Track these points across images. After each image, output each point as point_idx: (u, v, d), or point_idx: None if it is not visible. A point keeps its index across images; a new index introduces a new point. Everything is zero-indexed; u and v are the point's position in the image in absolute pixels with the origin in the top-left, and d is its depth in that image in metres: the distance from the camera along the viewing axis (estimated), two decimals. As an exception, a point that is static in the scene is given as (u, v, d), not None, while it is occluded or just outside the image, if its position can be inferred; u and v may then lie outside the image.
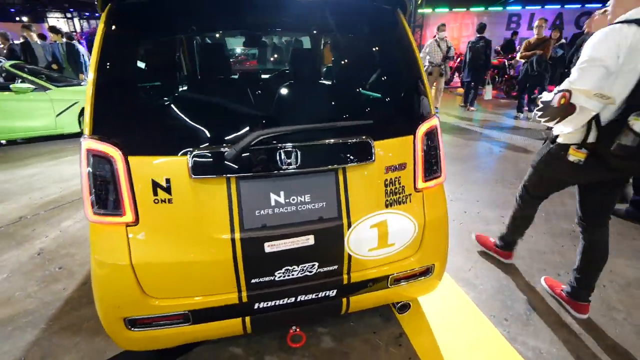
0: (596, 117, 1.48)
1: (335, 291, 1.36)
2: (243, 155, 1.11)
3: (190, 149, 1.10)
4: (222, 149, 1.10)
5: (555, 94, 1.52)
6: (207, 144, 1.13)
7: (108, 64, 1.15)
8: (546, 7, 12.63)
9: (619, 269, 2.21)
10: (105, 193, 1.11)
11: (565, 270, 2.19)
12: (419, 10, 12.16)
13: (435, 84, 6.86)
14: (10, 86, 4.59)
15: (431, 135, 1.38)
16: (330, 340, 1.67)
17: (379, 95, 1.53)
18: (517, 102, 6.92)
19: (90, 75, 1.13)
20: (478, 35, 6.96)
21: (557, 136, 1.70)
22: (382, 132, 1.30)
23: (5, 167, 4.14)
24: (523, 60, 6.22)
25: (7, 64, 5.00)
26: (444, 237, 1.50)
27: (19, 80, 4.80)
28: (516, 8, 12.97)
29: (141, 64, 1.26)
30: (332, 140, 1.21)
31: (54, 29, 6.84)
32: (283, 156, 1.14)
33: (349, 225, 1.28)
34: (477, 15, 13.04)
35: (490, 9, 13.14)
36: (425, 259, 1.45)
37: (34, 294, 2.02)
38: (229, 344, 1.64)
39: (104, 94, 1.12)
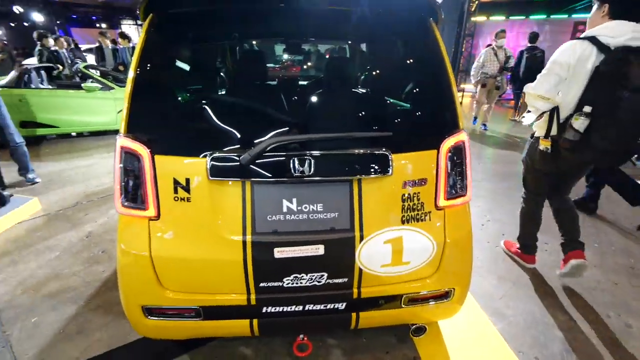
0: (557, 114, 1.80)
1: (344, 304, 1.33)
2: (257, 160, 1.13)
3: (210, 152, 1.15)
4: (238, 154, 1.14)
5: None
6: (225, 148, 1.17)
7: (146, 69, 1.24)
8: (621, 14, 11.39)
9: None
10: (133, 188, 1.20)
11: (616, 312, 1.93)
12: (472, 19, 11.61)
13: (487, 97, 6.15)
14: (82, 85, 5.18)
15: (457, 151, 1.30)
16: (340, 354, 1.63)
17: (405, 106, 1.48)
18: None
19: (130, 75, 1.23)
20: (529, 45, 6.42)
21: (534, 132, 2.03)
22: (403, 145, 1.25)
23: (70, 156, 4.67)
24: None
25: (82, 65, 5.65)
26: (466, 260, 1.40)
27: (90, 80, 5.39)
28: (584, 16, 11.85)
29: (177, 70, 1.35)
30: (347, 151, 1.20)
31: (123, 35, 7.61)
32: (297, 164, 1.15)
33: (361, 239, 1.24)
34: (537, 24, 12.14)
35: (553, 16, 12.16)
36: (443, 282, 1.36)
37: (78, 273, 2.24)
38: (241, 344, 1.68)
39: (140, 96, 1.21)
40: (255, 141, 1.16)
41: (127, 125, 1.21)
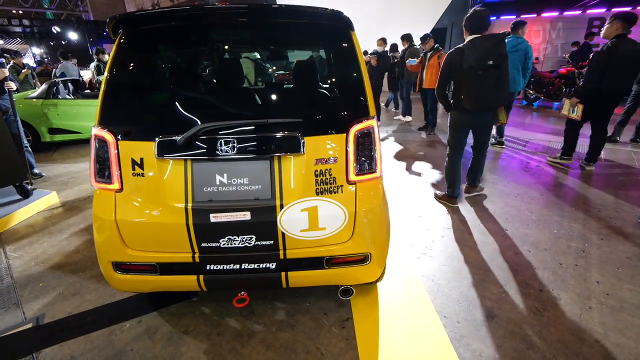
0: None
1: (274, 264, 1.59)
2: (192, 143, 1.43)
3: (158, 137, 1.46)
4: (176, 138, 1.44)
5: None
6: (170, 134, 1.47)
7: (116, 74, 1.58)
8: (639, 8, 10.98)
9: (621, 293, 2.00)
10: (103, 167, 1.53)
11: (551, 287, 2.06)
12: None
13: None
14: (101, 95, 5.77)
15: (366, 135, 1.54)
16: (283, 314, 1.89)
17: (322, 98, 1.74)
18: None
19: (103, 81, 1.57)
20: None
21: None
22: (315, 129, 1.51)
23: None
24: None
25: (102, 77, 6.28)
26: (379, 229, 1.63)
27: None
28: (599, 11, 11.52)
29: (138, 75, 1.67)
30: (265, 134, 1.47)
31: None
32: (223, 145, 1.44)
33: (282, 207, 1.51)
34: (549, 22, 11.94)
35: (566, 13, 11.90)
36: (359, 247, 1.59)
37: (80, 251, 2.63)
38: (202, 305, 1.97)
39: (109, 96, 1.55)
40: (190, 128, 1.46)
41: (99, 118, 1.54)
